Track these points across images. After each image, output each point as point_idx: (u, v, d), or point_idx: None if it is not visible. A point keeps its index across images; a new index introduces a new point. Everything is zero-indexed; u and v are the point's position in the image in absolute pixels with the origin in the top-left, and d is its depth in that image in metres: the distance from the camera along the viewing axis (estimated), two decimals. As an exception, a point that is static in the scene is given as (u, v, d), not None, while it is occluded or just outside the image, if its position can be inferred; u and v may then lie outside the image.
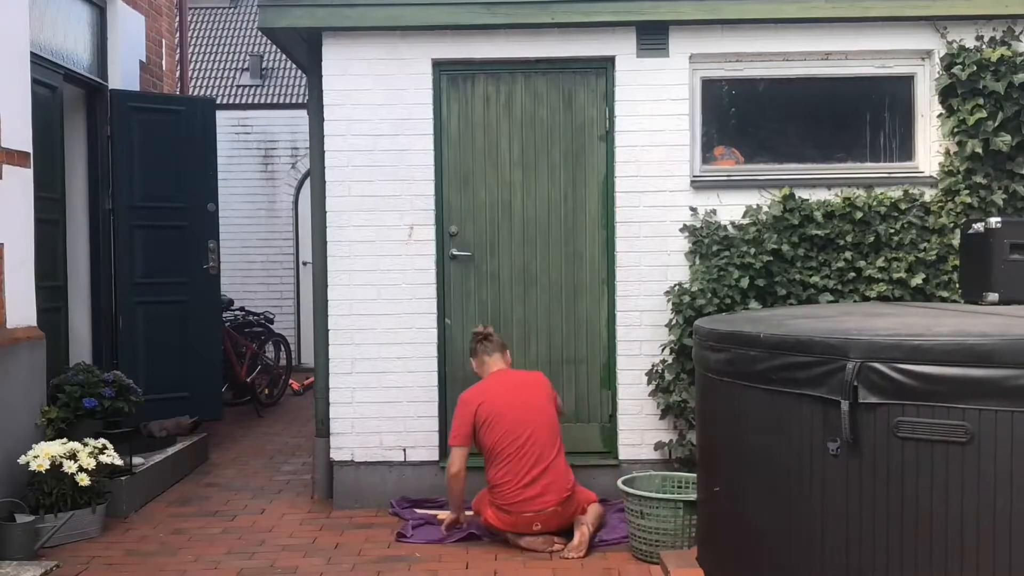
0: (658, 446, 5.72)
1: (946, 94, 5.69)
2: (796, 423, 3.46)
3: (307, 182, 10.45)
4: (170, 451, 6.52)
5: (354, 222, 5.79)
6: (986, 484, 3.01)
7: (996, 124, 5.57)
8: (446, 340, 5.86)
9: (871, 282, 5.62)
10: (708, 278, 5.59)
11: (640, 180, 5.74)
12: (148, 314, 7.03)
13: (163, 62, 8.17)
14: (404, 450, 5.81)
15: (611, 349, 5.82)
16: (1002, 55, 5.57)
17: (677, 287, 5.68)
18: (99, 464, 5.19)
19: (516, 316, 5.86)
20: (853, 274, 5.63)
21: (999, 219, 4.63)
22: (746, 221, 5.70)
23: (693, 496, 4.62)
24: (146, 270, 7.05)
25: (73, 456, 5.10)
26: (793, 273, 5.62)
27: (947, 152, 5.72)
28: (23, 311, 5.51)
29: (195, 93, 12.55)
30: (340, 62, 5.78)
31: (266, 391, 9.82)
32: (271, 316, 10.44)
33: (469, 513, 5.19)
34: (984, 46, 5.66)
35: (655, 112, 5.73)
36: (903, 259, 5.61)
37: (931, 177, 5.77)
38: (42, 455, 5.04)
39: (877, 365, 3.19)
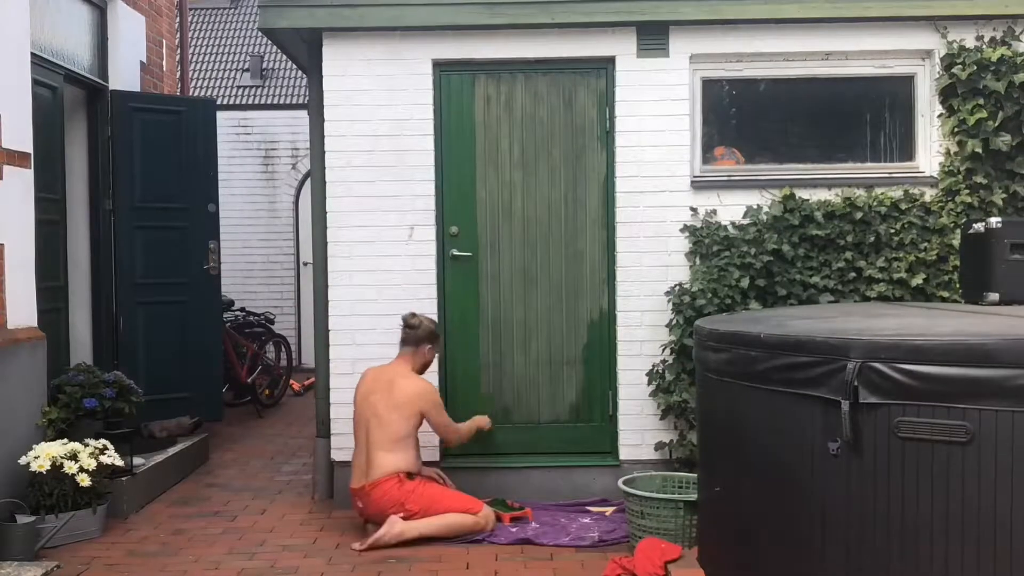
0: (659, 446, 5.72)
1: (946, 94, 5.69)
2: (796, 423, 3.46)
3: (307, 182, 10.46)
4: (171, 451, 6.52)
5: (354, 222, 5.79)
6: (987, 484, 3.01)
7: (996, 124, 5.57)
8: (446, 340, 5.86)
9: (871, 282, 5.62)
10: (708, 278, 5.59)
11: (640, 180, 5.74)
12: (149, 314, 7.02)
13: (163, 63, 8.17)
14: (405, 450, 5.81)
15: (611, 349, 5.82)
16: (1002, 55, 5.57)
17: (677, 287, 5.68)
18: (100, 465, 5.19)
19: (516, 316, 5.86)
20: (853, 274, 5.63)
21: (999, 219, 4.63)
22: (746, 221, 5.71)
23: (694, 496, 4.62)
24: (147, 270, 7.05)
25: (74, 456, 5.10)
26: (793, 273, 5.62)
27: (947, 152, 5.72)
28: (24, 312, 5.51)
29: (195, 94, 12.55)
30: (340, 62, 5.78)
31: (267, 392, 9.82)
32: (272, 316, 10.44)
33: None
34: (984, 46, 5.67)
35: (655, 112, 5.73)
36: (903, 259, 5.61)
37: (931, 177, 5.78)
38: (43, 455, 5.04)
39: (878, 365, 3.19)
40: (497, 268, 5.86)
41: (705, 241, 5.69)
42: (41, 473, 5.01)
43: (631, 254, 5.76)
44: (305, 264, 12.15)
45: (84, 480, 5.06)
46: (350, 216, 5.80)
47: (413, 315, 5.46)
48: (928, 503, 3.10)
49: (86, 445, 5.23)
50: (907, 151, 5.90)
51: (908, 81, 5.87)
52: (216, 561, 4.93)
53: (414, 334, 5.41)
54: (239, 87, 14.02)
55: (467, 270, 5.86)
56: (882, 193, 5.68)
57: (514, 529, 5.27)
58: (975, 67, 5.58)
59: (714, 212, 5.74)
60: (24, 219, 5.56)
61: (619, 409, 5.81)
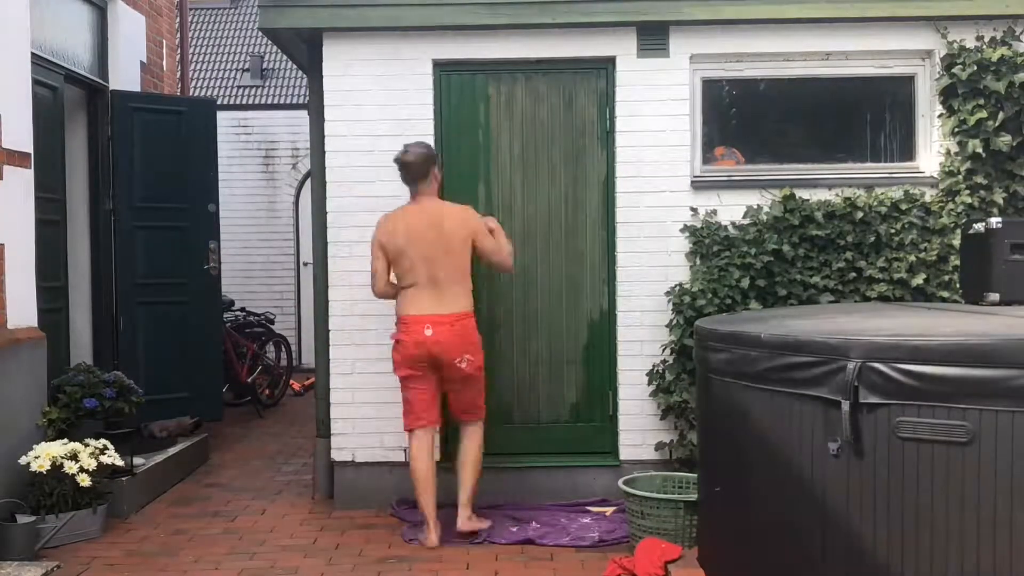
0: (659, 446, 5.72)
1: (947, 94, 5.69)
2: (797, 423, 3.46)
3: (308, 182, 10.47)
4: (171, 451, 6.53)
5: (355, 222, 5.79)
6: (987, 484, 3.01)
7: (997, 124, 5.57)
8: (447, 340, 5.85)
9: (872, 282, 5.62)
10: (709, 278, 5.59)
11: (641, 180, 5.74)
12: (149, 314, 7.03)
13: (164, 63, 8.17)
14: (405, 451, 5.79)
15: (612, 349, 5.82)
16: (1003, 55, 5.57)
17: (678, 287, 5.68)
18: (100, 465, 5.20)
19: (517, 316, 5.86)
20: (854, 274, 5.63)
21: (1000, 219, 4.62)
22: (747, 221, 5.70)
23: (694, 496, 4.62)
24: (147, 271, 7.06)
25: (74, 456, 5.10)
26: (794, 273, 5.62)
27: (948, 152, 5.71)
28: (24, 312, 5.51)
29: (196, 94, 12.56)
30: (341, 62, 5.78)
31: (267, 392, 9.82)
32: (272, 316, 10.45)
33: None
34: (984, 46, 5.66)
35: (656, 112, 5.73)
36: (904, 259, 5.61)
37: (932, 177, 5.77)
38: (43, 455, 5.04)
39: (878, 365, 3.19)
40: (497, 268, 5.85)
41: (705, 241, 5.69)
42: (41, 473, 5.02)
43: (631, 254, 5.76)
44: (305, 264, 12.15)
45: (84, 480, 5.07)
46: (350, 216, 5.80)
47: (403, 150, 5.17)
48: (928, 503, 3.10)
49: (86, 445, 5.24)
50: (907, 151, 5.90)
51: (908, 81, 5.87)
52: (216, 561, 4.93)
53: (417, 165, 5.17)
54: (239, 87, 14.03)
55: (467, 270, 5.85)
56: (882, 193, 5.68)
57: (515, 529, 5.27)
58: (975, 67, 5.58)
59: (714, 212, 5.74)
60: (24, 219, 5.56)
61: (619, 409, 5.81)
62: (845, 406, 3.23)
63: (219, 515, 5.77)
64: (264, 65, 14.16)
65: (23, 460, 5.07)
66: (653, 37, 5.72)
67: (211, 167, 7.45)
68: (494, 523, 5.35)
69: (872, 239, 5.62)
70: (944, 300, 5.56)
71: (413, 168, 5.18)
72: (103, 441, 5.36)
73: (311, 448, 6.74)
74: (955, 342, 3.13)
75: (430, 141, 5.77)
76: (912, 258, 5.60)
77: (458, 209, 5.25)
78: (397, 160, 5.23)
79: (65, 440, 5.24)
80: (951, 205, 5.64)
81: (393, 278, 5.22)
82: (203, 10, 15.29)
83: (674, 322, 5.66)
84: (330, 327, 5.84)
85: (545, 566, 4.80)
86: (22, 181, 5.53)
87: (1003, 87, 5.55)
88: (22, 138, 5.52)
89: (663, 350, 5.72)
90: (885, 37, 5.74)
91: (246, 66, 14.29)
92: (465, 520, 5.17)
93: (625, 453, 5.78)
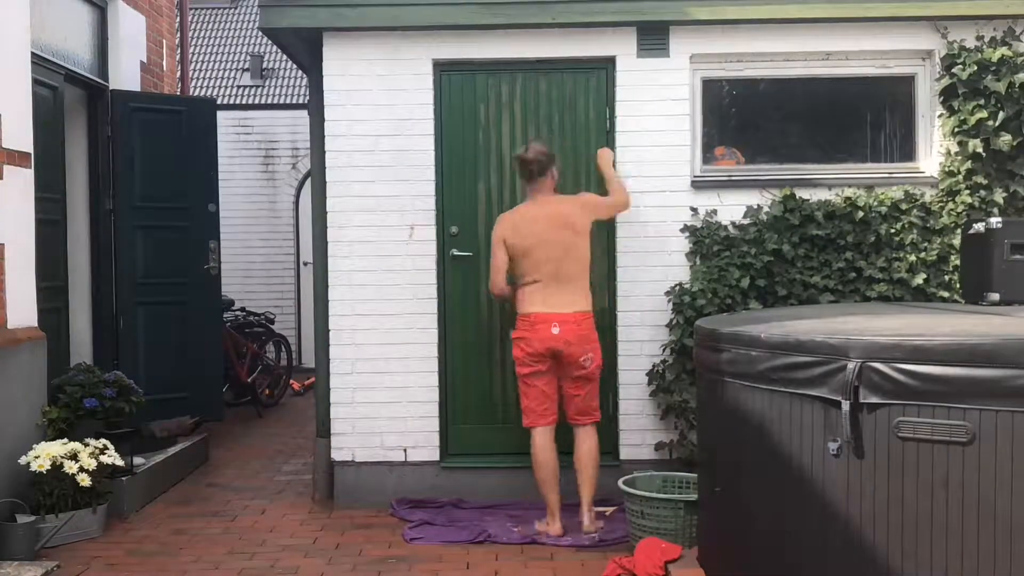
0: (659, 446, 5.72)
1: (947, 94, 5.69)
2: (797, 423, 3.46)
3: (308, 182, 10.47)
4: (171, 451, 6.53)
5: (355, 222, 5.79)
6: (987, 484, 3.01)
7: (997, 124, 5.57)
8: (447, 340, 5.86)
9: (872, 282, 5.62)
10: (709, 278, 5.59)
11: (641, 180, 5.74)
12: (149, 314, 7.03)
13: (164, 62, 8.17)
14: (405, 450, 5.82)
15: (612, 349, 5.81)
16: (1003, 55, 5.57)
17: (678, 287, 5.68)
18: (100, 464, 5.19)
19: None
20: (854, 274, 5.63)
21: (1000, 219, 4.62)
22: (747, 221, 5.70)
23: (694, 496, 4.62)
24: (147, 270, 7.06)
25: (74, 456, 5.10)
26: (794, 273, 5.62)
27: (948, 152, 5.71)
28: (24, 311, 5.51)
29: (196, 93, 12.57)
30: (341, 62, 5.78)
31: (267, 391, 9.82)
32: (272, 316, 10.45)
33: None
34: (985, 46, 5.66)
35: (656, 112, 5.73)
36: (904, 259, 5.61)
37: (932, 177, 5.77)
38: (43, 455, 5.04)
39: (878, 365, 3.19)
40: (497, 268, 5.85)
41: (705, 241, 5.69)
42: (41, 473, 5.02)
43: (631, 254, 5.76)
44: (305, 264, 12.16)
45: (84, 480, 5.07)
46: (350, 216, 5.80)
47: (524, 149, 5.27)
48: (928, 503, 3.10)
49: (86, 445, 5.23)
50: (907, 151, 5.90)
51: (908, 81, 5.87)
52: (216, 561, 4.93)
53: (539, 163, 5.23)
54: (239, 87, 14.04)
55: (467, 270, 5.86)
56: (882, 193, 5.68)
57: (515, 529, 5.27)
58: (975, 67, 5.58)
59: (714, 212, 5.74)
60: (24, 219, 5.56)
61: (619, 409, 5.81)
62: (845, 406, 3.23)
63: (219, 515, 5.77)
64: (264, 65, 14.17)
65: (23, 460, 5.07)
66: (653, 37, 5.72)
67: (211, 167, 7.44)
68: (495, 523, 5.35)
69: (872, 239, 5.62)
70: (944, 300, 5.56)
71: (535, 166, 5.23)
72: (103, 441, 5.36)
73: (311, 448, 6.74)
74: (955, 342, 3.13)
75: (430, 141, 5.78)
76: (912, 258, 5.60)
77: (575, 201, 5.33)
78: (517, 157, 5.29)
79: (65, 440, 5.24)
80: (951, 205, 5.64)
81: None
82: (203, 10, 15.30)
83: (674, 322, 5.66)
84: (330, 327, 5.84)
85: (545, 566, 4.80)
86: (22, 181, 5.53)
87: (1003, 87, 5.55)
88: (22, 138, 5.52)
89: (663, 350, 5.72)
90: (885, 37, 5.74)
91: (246, 66, 14.30)
92: (592, 520, 5.21)
93: (625, 453, 5.78)
